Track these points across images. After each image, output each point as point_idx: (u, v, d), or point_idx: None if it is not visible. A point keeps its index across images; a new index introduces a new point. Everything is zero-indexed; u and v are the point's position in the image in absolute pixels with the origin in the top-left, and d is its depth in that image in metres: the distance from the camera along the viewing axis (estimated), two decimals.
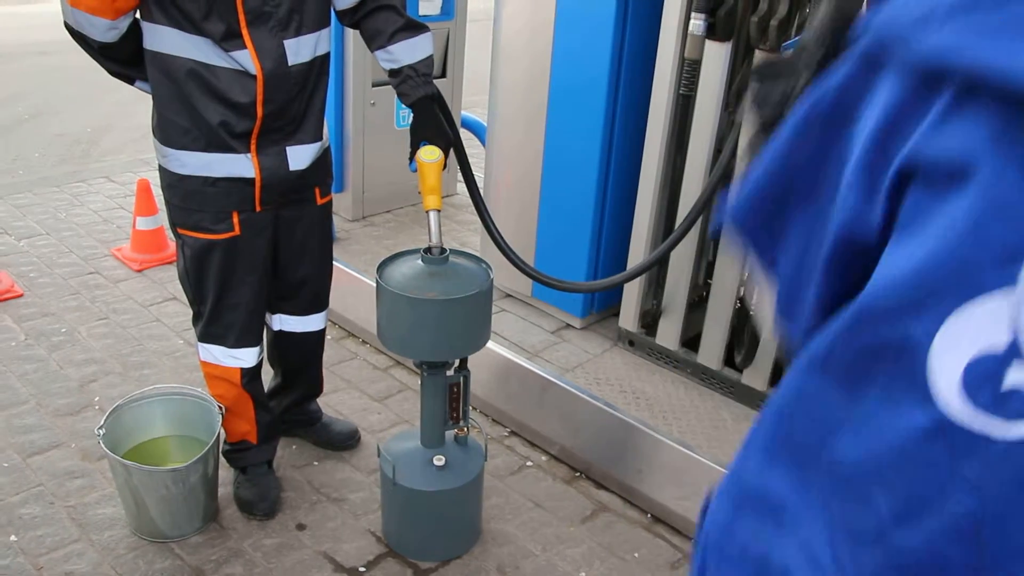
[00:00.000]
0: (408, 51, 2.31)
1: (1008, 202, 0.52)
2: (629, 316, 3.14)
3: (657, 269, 2.99)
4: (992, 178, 0.53)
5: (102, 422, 2.46)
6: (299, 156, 2.32)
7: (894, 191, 0.60)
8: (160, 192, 2.39)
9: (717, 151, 2.75)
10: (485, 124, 3.64)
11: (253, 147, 2.24)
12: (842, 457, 0.63)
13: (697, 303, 3.10)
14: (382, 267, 2.28)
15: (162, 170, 2.30)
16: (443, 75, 4.22)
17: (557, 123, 3.12)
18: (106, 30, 2.13)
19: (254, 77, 2.15)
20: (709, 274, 3.05)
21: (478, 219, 2.78)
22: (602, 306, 3.38)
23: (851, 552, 0.62)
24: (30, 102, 6.88)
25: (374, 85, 3.94)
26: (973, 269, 0.54)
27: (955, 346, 0.55)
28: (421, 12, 3.90)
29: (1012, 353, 0.53)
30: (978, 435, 0.54)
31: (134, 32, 2.18)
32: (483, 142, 3.90)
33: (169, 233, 2.99)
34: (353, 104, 3.88)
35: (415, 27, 2.33)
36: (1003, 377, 0.53)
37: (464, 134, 4.45)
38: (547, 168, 3.20)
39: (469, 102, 4.99)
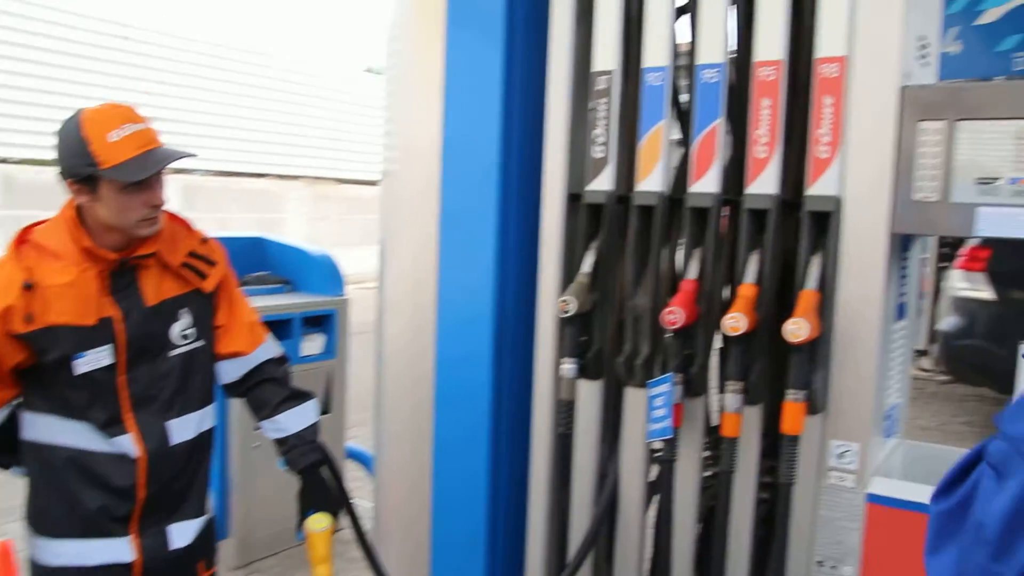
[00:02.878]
0: (294, 420, 2.36)
1: None
2: None
3: None
4: None
5: None
6: (182, 533, 2.26)
7: None
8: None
9: (601, 478, 2.84)
10: (371, 453, 3.64)
11: (133, 530, 2.18)
12: None
13: None
14: None
15: (33, 565, 2.19)
16: (326, 411, 4.26)
17: (443, 468, 3.16)
18: None
19: (135, 460, 2.14)
20: None
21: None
22: None
23: None
24: None
25: (255, 429, 3.94)
26: None
27: None
28: (303, 353, 4.02)
29: None
30: None
31: (10, 423, 2.17)
32: (370, 471, 3.88)
33: None
34: (238, 448, 3.85)
35: (300, 396, 2.40)
36: None
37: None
38: (436, 505, 3.20)
39: (355, 420, 5.01)
